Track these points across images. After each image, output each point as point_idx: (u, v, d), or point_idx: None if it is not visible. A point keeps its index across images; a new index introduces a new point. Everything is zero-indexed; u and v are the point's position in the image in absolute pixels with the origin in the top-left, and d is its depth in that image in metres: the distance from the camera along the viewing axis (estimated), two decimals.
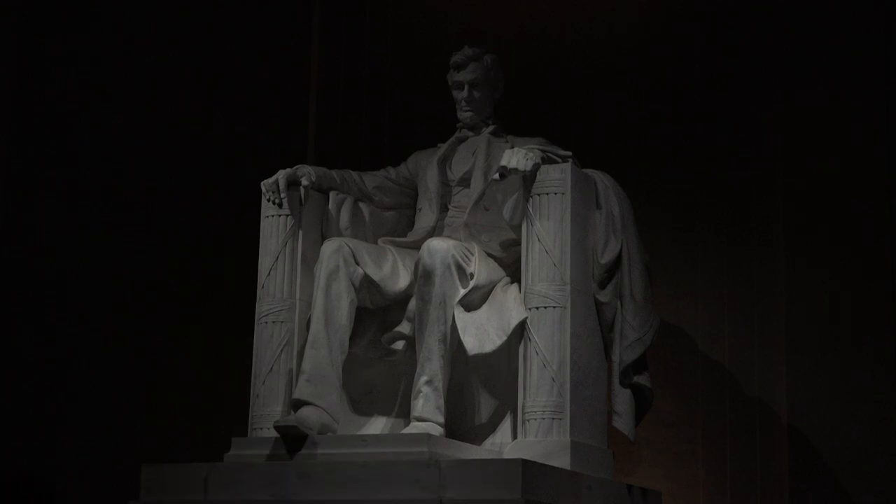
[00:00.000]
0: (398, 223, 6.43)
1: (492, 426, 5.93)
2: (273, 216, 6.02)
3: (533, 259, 5.77)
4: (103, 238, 7.60)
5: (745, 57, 6.97)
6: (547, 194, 5.80)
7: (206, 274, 7.40)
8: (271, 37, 7.57)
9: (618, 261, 5.93)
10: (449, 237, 6.03)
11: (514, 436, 5.78)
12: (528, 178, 5.81)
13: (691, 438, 6.75)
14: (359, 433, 5.90)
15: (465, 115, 6.40)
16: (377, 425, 6.03)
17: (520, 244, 5.85)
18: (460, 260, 5.75)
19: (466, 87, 6.38)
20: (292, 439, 5.52)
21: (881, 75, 6.76)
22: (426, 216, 6.31)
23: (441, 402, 5.70)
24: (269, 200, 6.02)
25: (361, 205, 6.28)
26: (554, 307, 5.69)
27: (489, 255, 5.97)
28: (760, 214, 6.89)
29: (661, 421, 6.56)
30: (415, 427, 5.65)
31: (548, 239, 5.74)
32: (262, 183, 6.03)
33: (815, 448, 6.58)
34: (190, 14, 7.64)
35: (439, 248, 5.76)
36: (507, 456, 5.61)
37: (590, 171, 6.02)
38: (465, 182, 6.31)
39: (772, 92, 6.93)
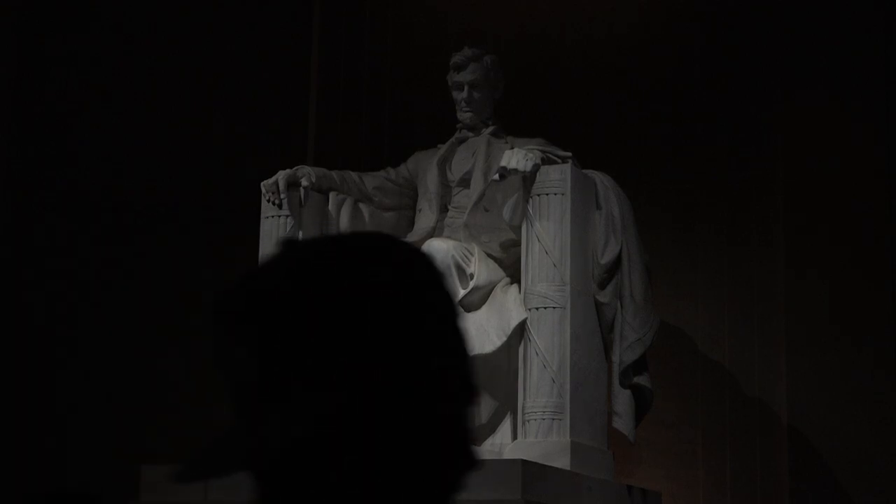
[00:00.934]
0: (398, 224, 6.44)
1: (491, 427, 5.94)
2: (273, 217, 6.03)
3: (533, 260, 5.78)
4: (103, 239, 7.61)
5: (745, 57, 6.98)
6: (547, 195, 5.81)
7: (206, 276, 7.39)
8: (271, 37, 7.59)
9: (618, 261, 5.94)
10: (449, 238, 6.05)
11: (514, 436, 5.80)
12: (528, 179, 5.82)
13: (691, 439, 6.76)
14: None
15: (464, 115, 6.38)
16: None
17: (520, 245, 5.86)
18: (460, 260, 5.76)
19: (466, 88, 6.35)
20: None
21: (881, 75, 6.76)
22: (426, 217, 6.33)
23: None
24: (268, 201, 6.03)
25: (361, 205, 6.30)
26: (554, 308, 5.71)
27: (489, 255, 5.98)
28: (760, 214, 6.90)
29: (661, 421, 6.57)
30: None
31: (548, 239, 5.75)
32: (261, 184, 6.05)
33: (815, 448, 6.60)
34: (190, 14, 7.65)
35: (439, 248, 5.77)
36: (506, 457, 5.62)
37: (589, 172, 6.03)
38: (464, 183, 6.30)
39: (772, 92, 6.95)
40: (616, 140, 7.04)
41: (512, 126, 6.45)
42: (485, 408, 5.94)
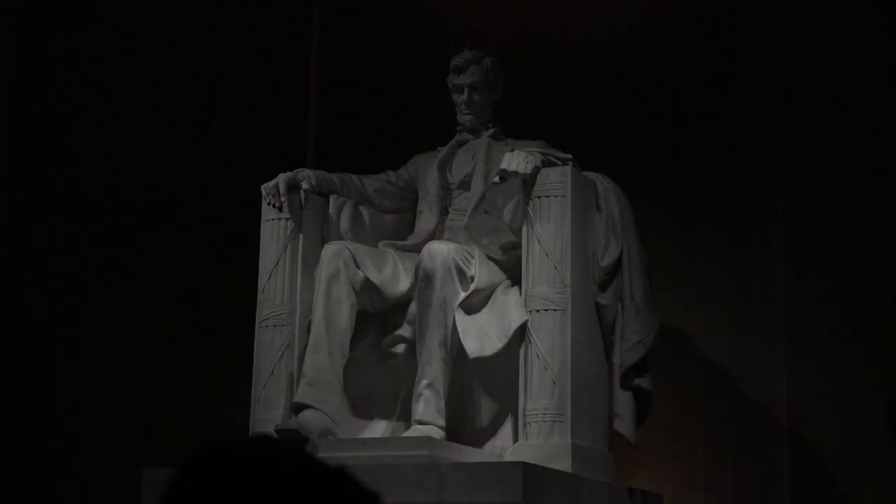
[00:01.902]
0: (399, 226, 6.43)
1: (493, 429, 5.94)
2: (273, 220, 6.03)
3: (533, 262, 5.78)
4: (103, 239, 7.61)
5: (745, 57, 6.98)
6: (547, 197, 5.81)
7: (206, 276, 7.41)
8: (271, 37, 7.60)
9: (618, 263, 5.95)
10: (449, 240, 6.04)
11: (515, 439, 5.80)
12: (528, 181, 5.81)
13: (692, 441, 6.77)
14: (360, 437, 5.91)
15: (464, 118, 6.38)
16: (378, 429, 6.05)
17: (520, 247, 5.85)
18: (461, 263, 5.76)
19: (466, 91, 6.35)
20: (293, 443, 5.53)
21: (881, 75, 6.76)
22: (426, 219, 6.32)
23: (442, 405, 5.71)
24: (269, 204, 6.03)
25: (362, 208, 6.29)
26: (555, 310, 5.71)
27: (490, 258, 5.98)
28: (760, 214, 6.90)
29: (662, 423, 6.57)
30: (416, 430, 5.67)
31: (548, 242, 5.75)
32: (262, 186, 6.05)
33: (815, 448, 6.60)
34: (190, 14, 7.66)
35: (440, 251, 5.77)
36: (507, 459, 5.63)
37: (590, 174, 6.03)
38: (465, 185, 6.30)
39: (772, 92, 6.94)
40: (616, 140, 7.04)
41: (512, 128, 6.44)
42: (486, 410, 5.95)
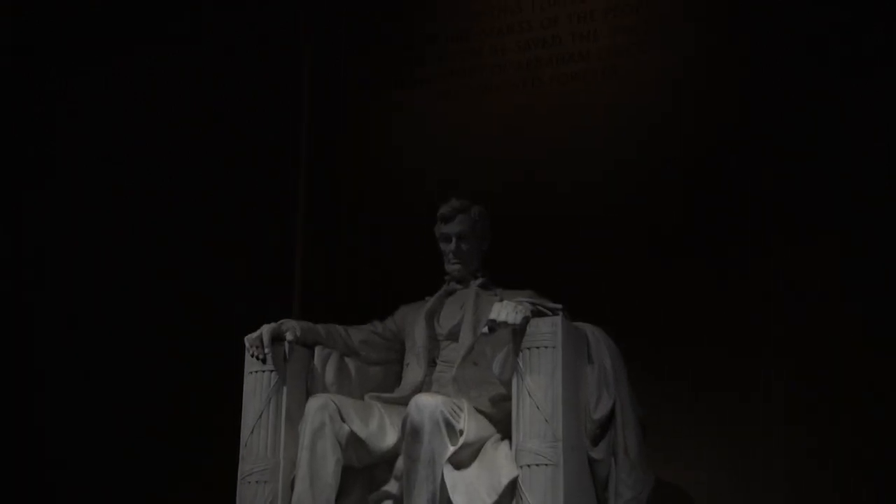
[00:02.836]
0: (385, 378, 6.29)
1: None
2: (257, 372, 5.87)
3: (524, 415, 5.61)
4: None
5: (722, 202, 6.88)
6: (537, 348, 5.65)
7: (189, 425, 7.25)
8: (257, 179, 7.50)
9: (611, 416, 5.78)
10: (437, 392, 5.89)
11: None
12: (518, 332, 5.67)
13: None
14: None
15: (452, 267, 6.36)
16: None
17: (510, 400, 5.69)
18: (449, 416, 5.60)
19: (454, 240, 6.33)
20: None
21: None
22: (414, 371, 6.17)
23: None
24: (252, 356, 5.89)
25: (347, 360, 6.15)
26: (546, 465, 5.53)
27: (479, 410, 5.82)
28: (757, 364, 6.72)
29: None
30: None
31: (539, 394, 5.58)
32: (245, 338, 5.91)
33: None
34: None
35: (427, 403, 5.61)
36: None
37: (580, 325, 5.89)
38: (453, 336, 6.19)
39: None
40: (606, 288, 6.91)
41: (500, 278, 6.35)
42: None
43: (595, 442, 5.74)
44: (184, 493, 7.23)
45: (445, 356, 6.18)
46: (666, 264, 6.95)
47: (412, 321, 6.31)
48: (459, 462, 5.62)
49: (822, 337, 6.65)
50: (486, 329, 5.69)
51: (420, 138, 7.53)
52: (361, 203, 7.54)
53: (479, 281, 6.36)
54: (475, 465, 5.67)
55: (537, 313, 5.71)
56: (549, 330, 5.67)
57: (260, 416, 5.80)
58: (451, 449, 5.58)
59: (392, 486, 5.78)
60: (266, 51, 7.47)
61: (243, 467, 5.80)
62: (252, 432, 5.80)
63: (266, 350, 5.85)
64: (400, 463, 5.72)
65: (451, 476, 5.54)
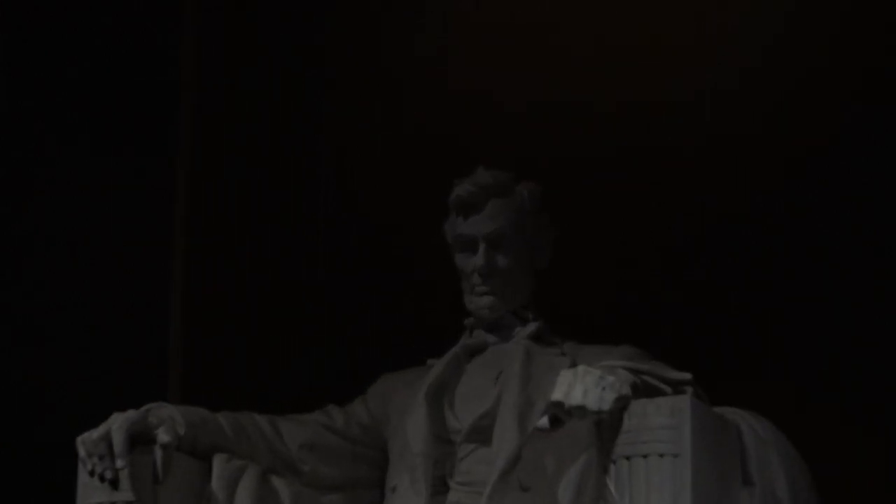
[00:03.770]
0: None
1: None
2: None
3: None
4: None
5: None
6: (645, 457, 3.15)
7: None
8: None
9: None
10: None
11: None
12: (607, 426, 3.21)
13: None
14: None
15: (480, 302, 3.87)
16: None
17: None
18: None
19: (482, 247, 3.83)
20: None
21: None
22: (407, 500, 3.48)
23: None
24: (91, 473, 3.20)
25: (276, 480, 3.42)
26: None
27: None
28: None
29: None
30: None
31: None
32: (78, 440, 3.25)
33: None
34: None
35: None
36: None
37: (727, 411, 3.32)
38: (481, 433, 3.62)
39: None
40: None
41: (570, 325, 3.79)
42: None
43: None
44: None
45: (466, 472, 3.60)
46: None
47: (401, 406, 3.75)
48: None
49: None
50: (545, 421, 3.32)
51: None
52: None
53: (532, 328, 3.84)
54: None
55: (644, 390, 3.26)
56: (667, 423, 3.15)
57: None
58: None
59: None
60: None
61: None
62: None
63: (118, 462, 3.17)
64: None
65: None
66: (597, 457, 3.27)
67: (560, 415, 3.23)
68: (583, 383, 3.15)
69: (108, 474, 3.17)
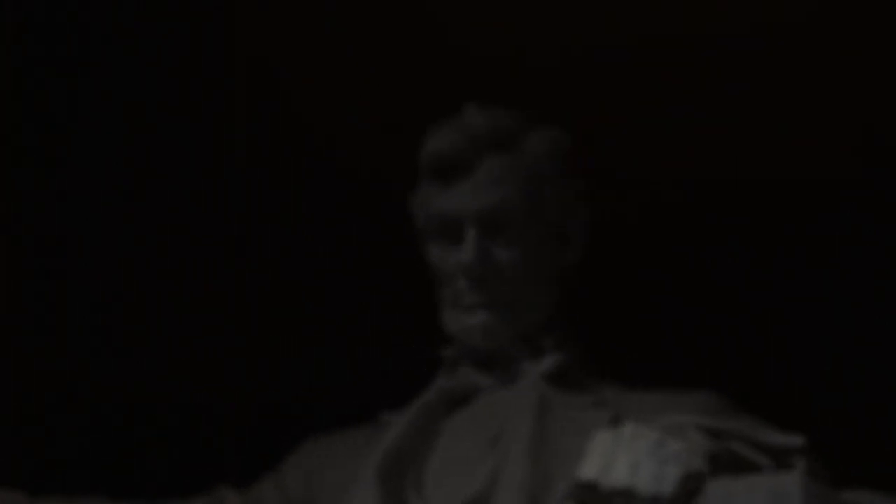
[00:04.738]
0: None
1: None
2: None
3: None
4: None
5: None
6: None
7: None
8: None
9: None
10: None
11: None
12: None
13: None
14: None
15: (468, 320, 2.67)
16: None
17: None
18: None
19: (473, 235, 2.65)
20: None
21: None
22: None
23: None
24: None
25: None
26: None
27: None
28: None
29: None
30: None
31: None
32: None
33: None
34: None
35: None
36: None
37: (863, 499, 2.37)
38: None
39: None
40: None
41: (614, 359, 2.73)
42: None
43: None
44: None
45: None
46: None
47: (337, 486, 2.54)
48: None
49: None
50: None
51: None
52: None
53: (550, 363, 2.66)
54: None
55: (730, 463, 2.23)
56: None
57: None
58: None
59: None
60: None
61: None
62: None
63: None
64: None
65: None
66: None
67: (593, 502, 2.16)
68: (631, 453, 2.13)
69: None
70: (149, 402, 4.59)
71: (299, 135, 4.34)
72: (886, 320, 3.98)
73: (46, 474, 4.30)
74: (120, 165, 4.70)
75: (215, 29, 4.41)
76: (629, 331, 3.44)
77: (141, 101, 4.58)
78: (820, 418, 3.17)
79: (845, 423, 3.66)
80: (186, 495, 2.84)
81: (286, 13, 4.16)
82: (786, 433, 2.31)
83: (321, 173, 4.41)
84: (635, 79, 3.66)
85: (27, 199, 4.82)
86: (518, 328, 2.68)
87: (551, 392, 2.60)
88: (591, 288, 3.02)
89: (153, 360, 4.63)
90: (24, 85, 4.93)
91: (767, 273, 4.05)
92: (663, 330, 3.74)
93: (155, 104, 4.55)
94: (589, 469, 2.15)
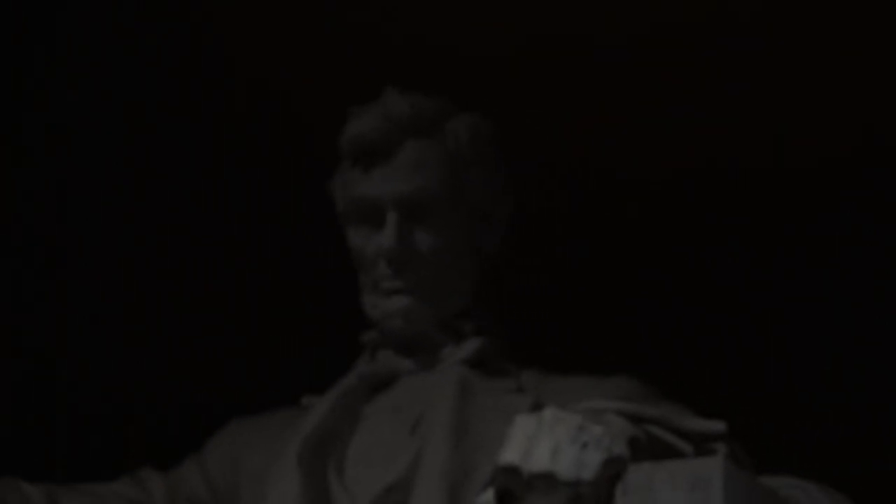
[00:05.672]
0: None
1: None
2: None
3: None
4: None
5: None
6: None
7: None
8: None
9: None
10: None
11: None
12: (590, 501, 2.07)
13: None
14: None
15: (388, 305, 2.70)
16: None
17: None
18: None
19: (393, 219, 2.68)
20: None
21: None
22: None
23: None
24: None
25: None
26: None
27: None
28: None
29: None
30: None
31: None
32: None
33: None
34: None
35: None
36: None
37: (782, 484, 2.27)
38: None
39: None
40: None
41: (534, 343, 2.74)
42: None
43: None
44: None
45: None
46: None
47: (259, 470, 2.54)
48: None
49: None
50: (489, 497, 2.14)
51: None
52: None
53: (471, 348, 2.67)
54: None
55: (650, 449, 2.14)
56: (686, 501, 2.03)
57: None
58: None
59: None
60: None
61: None
62: None
63: None
64: None
65: None
66: None
67: (514, 487, 2.08)
68: (551, 437, 2.03)
69: None
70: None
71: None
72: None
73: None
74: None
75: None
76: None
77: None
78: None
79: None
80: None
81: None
82: (708, 419, 2.28)
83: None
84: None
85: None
86: (439, 313, 2.70)
87: (472, 377, 2.63)
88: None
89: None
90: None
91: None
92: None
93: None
94: (510, 454, 2.09)
